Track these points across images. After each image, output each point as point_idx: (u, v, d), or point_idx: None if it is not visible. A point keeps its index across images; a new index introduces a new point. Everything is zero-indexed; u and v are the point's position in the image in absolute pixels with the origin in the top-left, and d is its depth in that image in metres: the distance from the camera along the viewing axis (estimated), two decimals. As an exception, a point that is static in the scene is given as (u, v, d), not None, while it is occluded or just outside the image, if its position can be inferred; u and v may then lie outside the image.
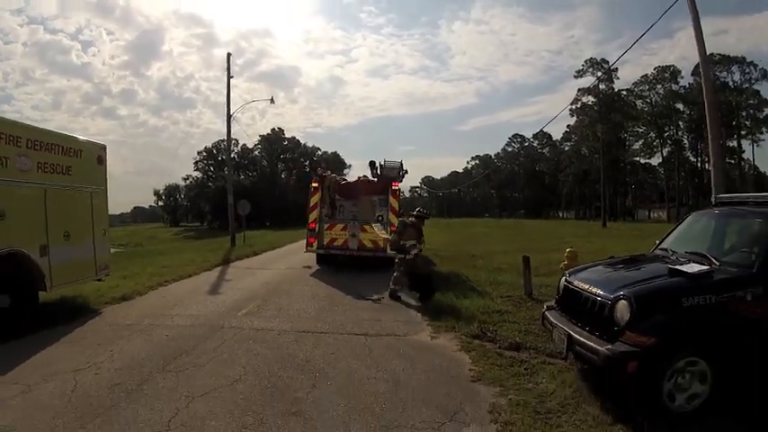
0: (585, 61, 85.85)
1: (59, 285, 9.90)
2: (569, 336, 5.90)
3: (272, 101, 34.84)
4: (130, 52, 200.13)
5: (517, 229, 54.69)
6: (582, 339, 5.67)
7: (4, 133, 8.55)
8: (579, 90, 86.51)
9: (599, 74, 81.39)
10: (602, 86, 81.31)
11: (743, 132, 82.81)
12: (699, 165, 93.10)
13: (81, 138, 11.25)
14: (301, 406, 5.44)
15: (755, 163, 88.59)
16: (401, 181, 18.45)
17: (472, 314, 9.71)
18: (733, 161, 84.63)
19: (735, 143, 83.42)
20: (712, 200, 8.43)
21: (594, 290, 5.90)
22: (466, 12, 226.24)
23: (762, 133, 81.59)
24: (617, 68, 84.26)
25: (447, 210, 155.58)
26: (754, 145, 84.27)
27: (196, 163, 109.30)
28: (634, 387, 5.18)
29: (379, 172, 18.45)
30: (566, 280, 6.82)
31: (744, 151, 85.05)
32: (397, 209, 17.30)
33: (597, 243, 32.30)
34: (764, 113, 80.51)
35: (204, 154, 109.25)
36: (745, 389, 5.31)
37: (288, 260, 21.22)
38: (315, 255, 17.93)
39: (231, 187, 31.44)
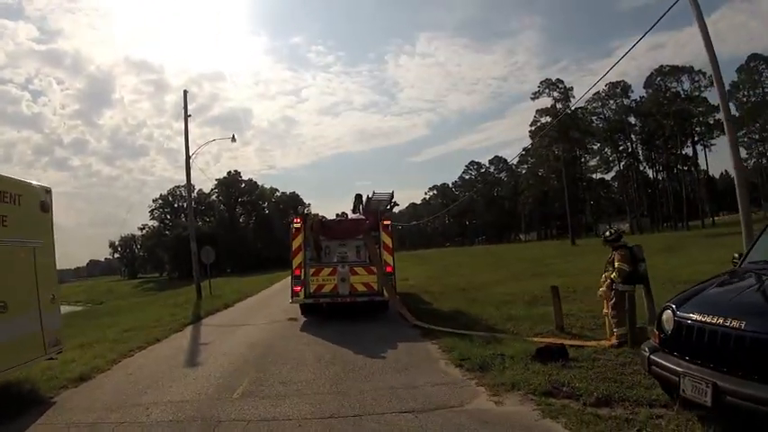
0: (541, 82, 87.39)
1: (-1, 372, 7.58)
2: (715, 386, 4.65)
3: (233, 139, 32.58)
4: (81, 101, 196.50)
5: (488, 255, 53.84)
6: (739, 389, 4.48)
7: None
8: (537, 111, 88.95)
9: (555, 94, 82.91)
10: (558, 106, 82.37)
11: (696, 139, 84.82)
12: (653, 175, 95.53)
13: (18, 179, 8.95)
14: None
15: (708, 167, 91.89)
16: (390, 211, 16.74)
17: (524, 363, 7.97)
18: (685, 168, 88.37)
19: (690, 150, 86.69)
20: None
21: (736, 323, 4.72)
22: (411, 46, 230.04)
23: (713, 138, 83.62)
24: (572, 88, 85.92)
25: (408, 242, 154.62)
26: (706, 150, 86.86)
27: (152, 211, 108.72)
28: None
29: (364, 206, 16.73)
30: (676, 315, 5.49)
31: (697, 158, 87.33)
32: (391, 246, 15.47)
33: (582, 262, 31.34)
34: (714, 118, 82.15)
35: (160, 201, 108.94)
36: None
37: (267, 311, 18.97)
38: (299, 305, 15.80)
39: (194, 233, 29.44)
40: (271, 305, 21.15)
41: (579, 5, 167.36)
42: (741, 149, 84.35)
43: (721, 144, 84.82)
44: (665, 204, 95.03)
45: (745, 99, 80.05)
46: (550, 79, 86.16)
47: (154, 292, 53.24)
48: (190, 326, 16.49)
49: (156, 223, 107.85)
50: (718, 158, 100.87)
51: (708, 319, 5.02)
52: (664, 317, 5.73)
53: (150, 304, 28.57)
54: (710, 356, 4.90)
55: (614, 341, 8.95)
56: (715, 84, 13.00)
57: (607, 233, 10.08)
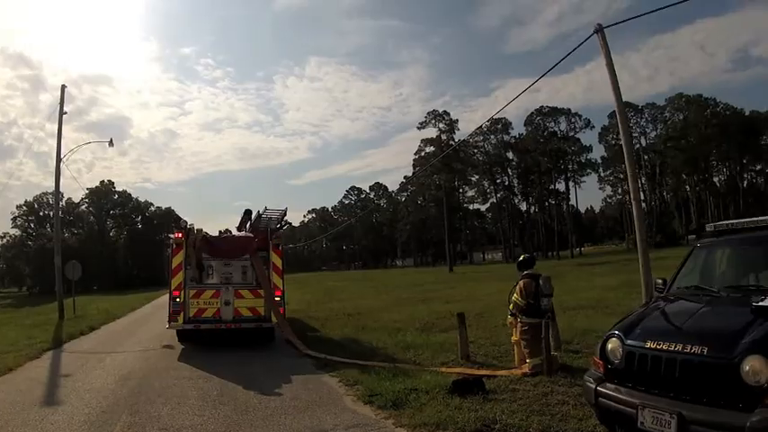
0: (428, 113, 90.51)
1: None
2: (681, 416, 4.46)
3: (110, 143, 30.62)
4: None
5: (368, 280, 53.83)
6: (708, 418, 4.34)
7: None
8: (422, 141, 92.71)
9: (441, 125, 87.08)
10: (443, 137, 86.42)
11: (568, 176, 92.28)
12: (526, 207, 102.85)
13: None
14: None
15: (577, 201, 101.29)
16: (281, 230, 15.74)
17: (442, 398, 7.28)
18: (554, 202, 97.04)
19: (561, 185, 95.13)
20: (709, 228, 7.30)
21: (698, 350, 4.62)
22: (301, 68, 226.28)
23: (582, 176, 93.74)
24: (457, 120, 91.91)
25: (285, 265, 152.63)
26: (576, 187, 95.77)
27: (14, 219, 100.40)
28: None
29: (253, 222, 15.62)
30: (626, 343, 5.28)
31: (569, 193, 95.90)
32: (281, 268, 14.42)
33: (463, 288, 31.78)
34: (586, 157, 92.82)
35: (24, 209, 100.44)
36: None
37: (139, 337, 17.13)
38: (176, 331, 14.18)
39: (59, 246, 26.80)
40: (143, 329, 19.35)
41: (469, 45, 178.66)
42: (607, 187, 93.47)
43: (590, 181, 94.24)
44: (535, 235, 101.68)
45: (613, 142, 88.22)
46: (437, 111, 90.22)
47: (11, 309, 47.88)
48: (49, 351, 14.47)
49: (18, 232, 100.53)
50: (583, 194, 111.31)
51: (665, 347, 4.85)
52: (609, 346, 5.46)
53: (5, 324, 25.28)
54: (670, 385, 4.73)
55: (527, 370, 8.53)
56: (619, 122, 13.57)
57: (521, 257, 9.86)
